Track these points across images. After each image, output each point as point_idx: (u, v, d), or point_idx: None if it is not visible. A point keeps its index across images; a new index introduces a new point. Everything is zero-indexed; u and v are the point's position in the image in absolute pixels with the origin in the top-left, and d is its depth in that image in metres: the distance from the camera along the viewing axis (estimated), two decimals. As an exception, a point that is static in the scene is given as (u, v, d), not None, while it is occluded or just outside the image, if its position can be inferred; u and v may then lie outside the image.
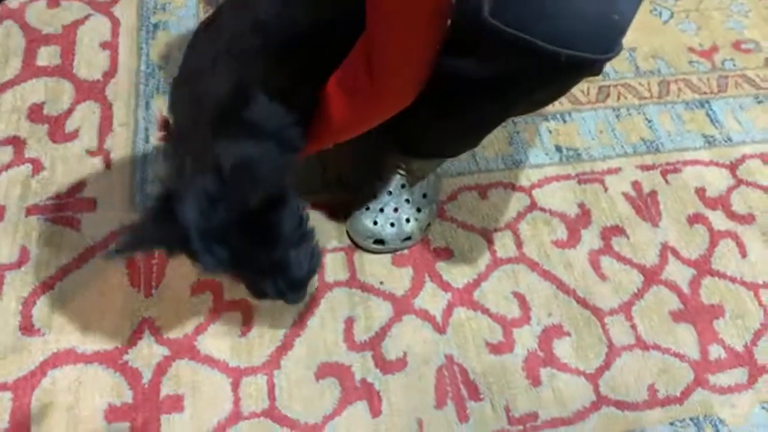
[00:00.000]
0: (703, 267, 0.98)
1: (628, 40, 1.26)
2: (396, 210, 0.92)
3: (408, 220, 0.92)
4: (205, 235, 0.61)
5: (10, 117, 1.00)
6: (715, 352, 0.91)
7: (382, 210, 0.92)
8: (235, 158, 0.60)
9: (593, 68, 0.64)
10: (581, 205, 1.02)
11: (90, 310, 0.84)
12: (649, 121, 1.13)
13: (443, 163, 0.97)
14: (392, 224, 0.91)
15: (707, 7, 1.33)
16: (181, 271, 0.88)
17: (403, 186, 0.93)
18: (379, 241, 0.91)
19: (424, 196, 0.94)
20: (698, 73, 1.21)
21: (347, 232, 0.94)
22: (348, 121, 0.71)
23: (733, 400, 0.87)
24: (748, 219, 1.04)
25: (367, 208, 0.92)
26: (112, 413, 0.78)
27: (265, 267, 0.68)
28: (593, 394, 0.85)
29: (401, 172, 0.92)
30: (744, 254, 1.00)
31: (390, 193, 0.93)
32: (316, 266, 0.74)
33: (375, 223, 0.91)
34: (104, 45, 1.10)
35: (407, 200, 0.93)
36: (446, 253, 0.95)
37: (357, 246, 0.93)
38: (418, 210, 0.93)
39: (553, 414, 0.83)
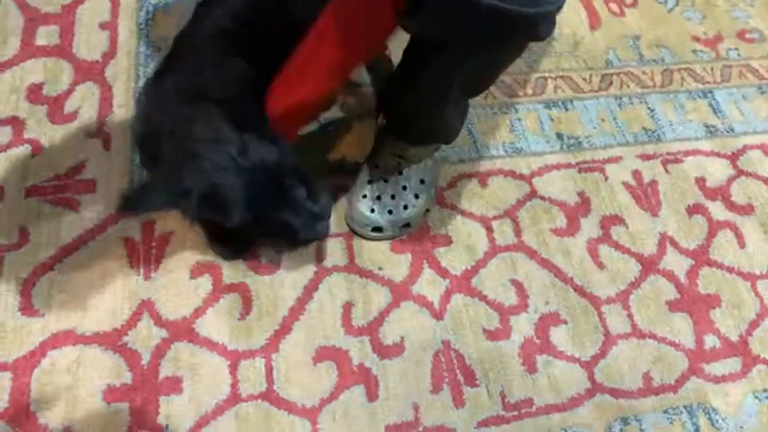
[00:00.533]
0: (701, 257, 0.98)
1: (632, 27, 1.26)
2: (393, 197, 0.92)
3: (406, 207, 0.92)
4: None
5: (9, 97, 0.99)
6: (711, 341, 0.91)
7: (379, 198, 0.92)
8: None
9: (526, 25, 0.64)
10: (581, 194, 1.02)
11: (89, 292, 0.84)
12: (652, 110, 1.13)
13: (439, 148, 0.96)
14: (390, 211, 0.91)
15: (713, -4, 1.31)
16: (180, 254, 0.88)
17: (400, 173, 0.93)
18: (377, 229, 0.91)
19: (422, 182, 0.94)
20: (702, 62, 1.21)
21: (345, 220, 0.94)
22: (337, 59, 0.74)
23: (726, 389, 0.88)
24: (747, 210, 1.04)
25: (364, 196, 0.92)
26: (111, 394, 0.78)
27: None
28: (588, 382, 0.86)
29: (397, 158, 0.92)
30: (742, 245, 1.00)
31: (386, 180, 0.92)
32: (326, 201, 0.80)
33: (372, 210, 0.91)
34: (104, 25, 1.09)
35: (404, 187, 0.92)
36: (445, 240, 0.95)
37: (355, 233, 0.93)
38: (416, 196, 0.93)
39: (547, 400, 0.84)
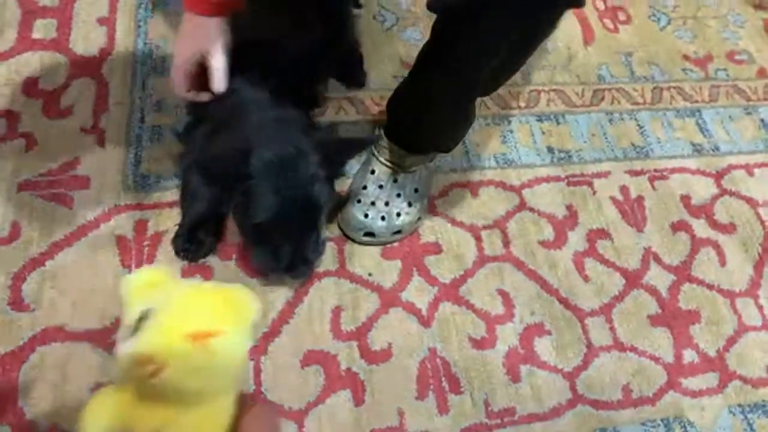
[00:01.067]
0: (683, 273, 1.01)
1: (626, 44, 1.28)
2: (387, 204, 0.93)
3: (399, 215, 0.93)
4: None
5: (4, 90, 0.99)
6: (689, 356, 0.94)
7: (373, 203, 0.93)
8: None
9: None
10: (569, 207, 1.04)
11: (80, 289, 0.85)
12: (641, 127, 1.15)
13: (434, 158, 0.98)
14: (383, 218, 0.93)
15: (705, 15, 1.34)
16: (172, 254, 0.89)
17: (395, 180, 0.94)
18: (370, 234, 0.93)
19: (416, 190, 0.95)
20: (691, 81, 1.23)
21: (338, 224, 0.95)
22: None
23: (702, 404, 0.90)
24: (729, 228, 1.07)
25: (359, 201, 0.93)
26: (100, 391, 0.79)
27: (294, 234, 0.78)
28: (570, 392, 0.88)
29: (393, 166, 0.94)
30: (723, 263, 1.03)
31: (381, 186, 0.94)
32: (322, 251, 0.85)
33: (366, 215, 0.92)
34: (101, 20, 1.09)
35: (398, 195, 0.94)
36: (435, 248, 0.96)
37: (348, 238, 0.94)
38: (409, 204, 0.94)
39: (530, 410, 0.86)
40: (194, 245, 0.88)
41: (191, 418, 0.36)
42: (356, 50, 1.10)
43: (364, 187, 0.94)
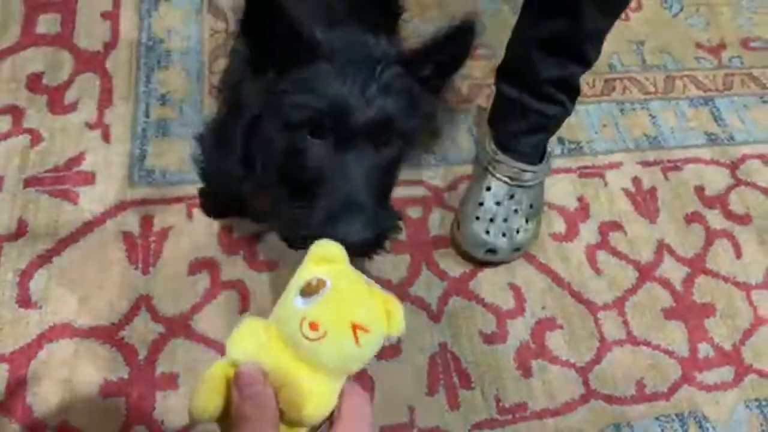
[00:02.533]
0: (697, 265, 0.99)
1: (637, 32, 1.25)
2: (506, 220, 0.91)
3: (518, 231, 0.91)
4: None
5: (8, 85, 0.98)
6: (704, 350, 0.92)
7: (492, 220, 0.90)
8: None
9: None
10: (581, 199, 1.02)
11: (87, 285, 0.84)
12: (653, 117, 1.13)
13: (548, 171, 0.96)
14: (503, 234, 0.90)
15: (718, 2, 1.31)
16: (179, 249, 0.88)
17: (511, 197, 0.91)
18: (492, 251, 0.90)
19: (531, 206, 0.93)
20: (704, 69, 1.21)
21: (456, 240, 0.92)
22: None
23: (718, 398, 0.89)
24: (744, 219, 1.04)
25: (477, 218, 0.90)
26: (108, 388, 0.78)
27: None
28: (582, 387, 0.87)
29: (510, 182, 0.91)
30: (738, 254, 1.01)
31: (498, 203, 0.91)
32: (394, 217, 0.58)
33: (487, 232, 0.90)
34: (105, 15, 1.08)
35: (516, 211, 0.91)
36: (444, 242, 0.95)
37: (466, 255, 0.92)
38: (527, 221, 0.92)
39: (542, 405, 0.85)
40: (219, 205, 0.87)
41: (312, 386, 0.40)
42: None
43: (481, 204, 0.91)
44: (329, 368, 0.41)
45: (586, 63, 0.85)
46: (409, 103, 0.54)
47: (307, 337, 0.40)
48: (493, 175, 0.93)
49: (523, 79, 0.87)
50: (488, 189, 0.92)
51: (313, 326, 0.41)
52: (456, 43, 0.54)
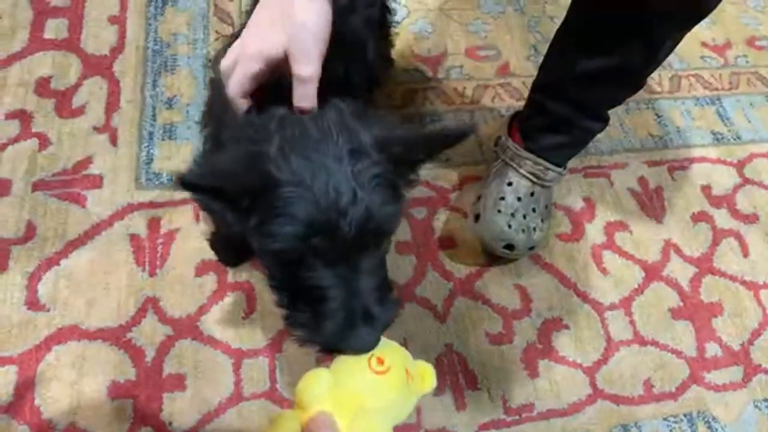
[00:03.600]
0: (704, 265, 0.98)
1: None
2: (525, 217, 0.90)
3: (535, 230, 0.90)
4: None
5: (17, 90, 0.99)
6: (712, 350, 0.92)
7: (513, 215, 0.89)
8: None
9: None
10: (586, 199, 1.02)
11: (95, 288, 0.85)
12: (659, 117, 1.13)
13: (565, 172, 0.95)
14: (523, 230, 0.89)
15: (723, 1, 1.30)
16: (186, 251, 0.88)
17: (532, 194, 0.91)
18: (510, 246, 0.89)
19: (546, 207, 0.92)
20: (710, 68, 1.20)
21: (475, 232, 0.91)
22: None
23: (726, 398, 0.88)
24: (751, 218, 1.04)
25: (499, 211, 0.89)
26: (115, 390, 0.79)
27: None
28: (589, 388, 0.86)
29: (534, 179, 0.91)
30: (746, 254, 1.00)
31: (519, 199, 0.90)
32: (395, 304, 0.54)
33: (509, 226, 0.88)
34: (112, 19, 1.09)
35: (534, 209, 0.91)
36: (449, 243, 0.95)
37: (483, 246, 0.91)
38: (542, 221, 0.91)
39: (549, 405, 0.84)
40: (232, 250, 0.86)
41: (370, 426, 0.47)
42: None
43: (502, 198, 0.90)
44: (388, 402, 0.48)
45: (642, 86, 0.84)
46: (389, 193, 0.50)
47: (374, 370, 0.47)
48: (517, 171, 0.91)
49: (574, 98, 0.84)
50: (509, 184, 0.91)
51: (380, 361, 0.48)
52: (445, 143, 0.53)
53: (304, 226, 0.47)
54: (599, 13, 0.74)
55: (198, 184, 0.48)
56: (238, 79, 0.54)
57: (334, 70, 0.57)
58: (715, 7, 0.70)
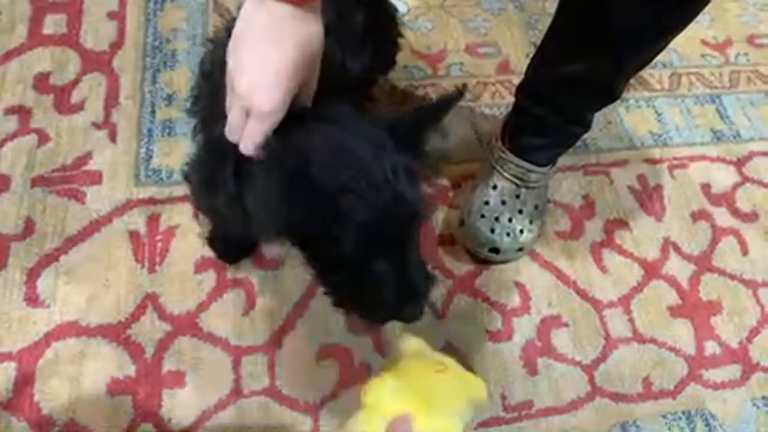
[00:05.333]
0: (703, 263, 0.99)
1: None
2: (510, 220, 0.90)
3: (522, 231, 0.90)
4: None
5: (15, 86, 0.99)
6: (711, 348, 0.92)
7: (497, 219, 0.90)
8: None
9: None
10: (586, 197, 1.02)
11: (94, 284, 0.85)
12: (659, 114, 1.13)
13: (554, 172, 0.96)
14: (508, 234, 0.90)
15: (724, -1, 1.31)
16: (185, 248, 0.88)
17: (517, 196, 0.91)
18: (495, 250, 0.90)
19: (536, 207, 0.93)
20: (710, 66, 1.20)
21: (459, 237, 0.92)
22: None
23: (725, 396, 0.88)
24: (751, 217, 1.04)
25: (483, 216, 0.90)
26: (115, 386, 0.79)
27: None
28: (588, 385, 0.86)
29: (517, 181, 0.91)
30: (745, 252, 1.01)
31: (504, 202, 0.91)
32: (432, 277, 0.58)
33: (492, 231, 0.89)
34: (111, 15, 1.09)
35: (520, 211, 0.91)
36: (449, 240, 0.95)
37: (469, 252, 0.92)
38: (530, 222, 0.92)
39: (548, 403, 0.84)
40: (231, 245, 0.87)
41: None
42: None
43: (486, 202, 0.91)
44: (452, 399, 0.53)
45: (618, 98, 0.84)
46: (415, 179, 0.53)
47: (436, 371, 0.54)
48: (501, 174, 0.92)
49: (552, 102, 0.85)
50: (494, 188, 0.92)
51: (441, 363, 0.55)
52: (442, 110, 0.56)
53: (366, 231, 0.49)
54: (575, 22, 0.75)
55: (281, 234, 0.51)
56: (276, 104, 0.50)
57: (333, 64, 0.57)
58: (675, 31, 0.71)
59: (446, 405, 0.51)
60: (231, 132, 0.53)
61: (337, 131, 0.51)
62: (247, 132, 0.51)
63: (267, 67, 0.49)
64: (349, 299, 0.57)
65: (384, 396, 0.50)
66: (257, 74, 0.50)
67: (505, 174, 0.92)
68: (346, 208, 0.48)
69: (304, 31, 0.50)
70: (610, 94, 0.82)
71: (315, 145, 0.50)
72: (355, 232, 0.49)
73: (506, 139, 0.93)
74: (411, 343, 0.60)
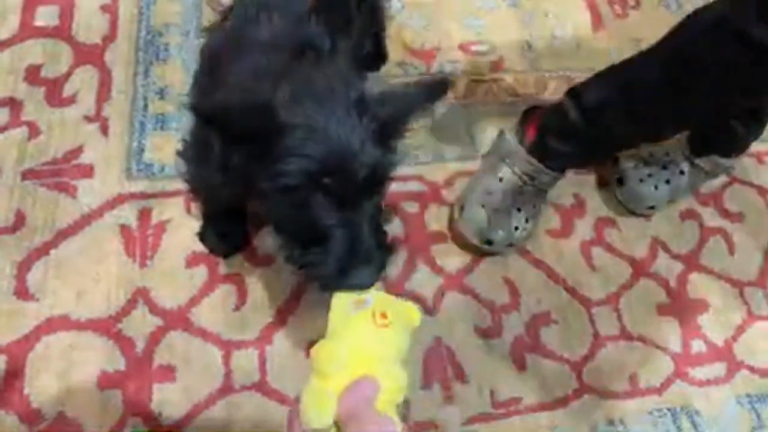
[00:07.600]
0: (691, 262, 1.00)
1: (635, 29, 1.25)
2: (508, 215, 0.91)
3: (516, 229, 0.91)
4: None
5: (6, 78, 0.98)
6: (697, 346, 0.93)
7: (496, 210, 0.90)
8: None
9: None
10: (576, 195, 1.03)
11: (85, 278, 0.85)
12: (649, 115, 1.13)
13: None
14: (503, 228, 0.90)
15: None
16: (177, 242, 0.88)
17: (521, 193, 0.91)
18: (488, 242, 0.90)
19: (534, 206, 0.93)
20: (701, 67, 1.21)
21: (455, 224, 0.93)
22: None
23: (709, 393, 0.90)
24: (738, 217, 1.05)
25: (482, 206, 0.90)
26: (105, 380, 0.79)
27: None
28: (576, 382, 0.87)
29: (526, 178, 0.91)
30: (732, 252, 1.02)
31: (506, 196, 0.91)
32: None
33: (489, 222, 0.90)
34: (104, 8, 1.08)
35: (519, 209, 0.91)
36: (441, 238, 0.95)
37: (460, 238, 0.92)
38: (526, 220, 0.92)
39: (536, 399, 0.85)
40: (224, 239, 0.87)
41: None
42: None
43: (489, 193, 0.91)
44: (399, 349, 0.51)
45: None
46: (388, 144, 0.55)
47: (380, 325, 0.50)
48: (510, 168, 0.92)
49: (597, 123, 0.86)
50: (500, 180, 0.92)
51: (383, 316, 0.50)
52: (428, 95, 0.58)
53: (318, 164, 0.51)
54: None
55: (210, 115, 0.51)
56: None
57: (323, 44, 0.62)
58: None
59: (398, 354, 0.51)
60: None
61: (324, 81, 0.54)
62: None
63: None
64: (298, 251, 0.56)
65: (336, 360, 0.48)
66: None
67: (515, 169, 0.91)
68: (301, 140, 0.51)
69: None
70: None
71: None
72: (308, 165, 0.51)
73: (528, 135, 0.93)
74: (342, 297, 0.53)
